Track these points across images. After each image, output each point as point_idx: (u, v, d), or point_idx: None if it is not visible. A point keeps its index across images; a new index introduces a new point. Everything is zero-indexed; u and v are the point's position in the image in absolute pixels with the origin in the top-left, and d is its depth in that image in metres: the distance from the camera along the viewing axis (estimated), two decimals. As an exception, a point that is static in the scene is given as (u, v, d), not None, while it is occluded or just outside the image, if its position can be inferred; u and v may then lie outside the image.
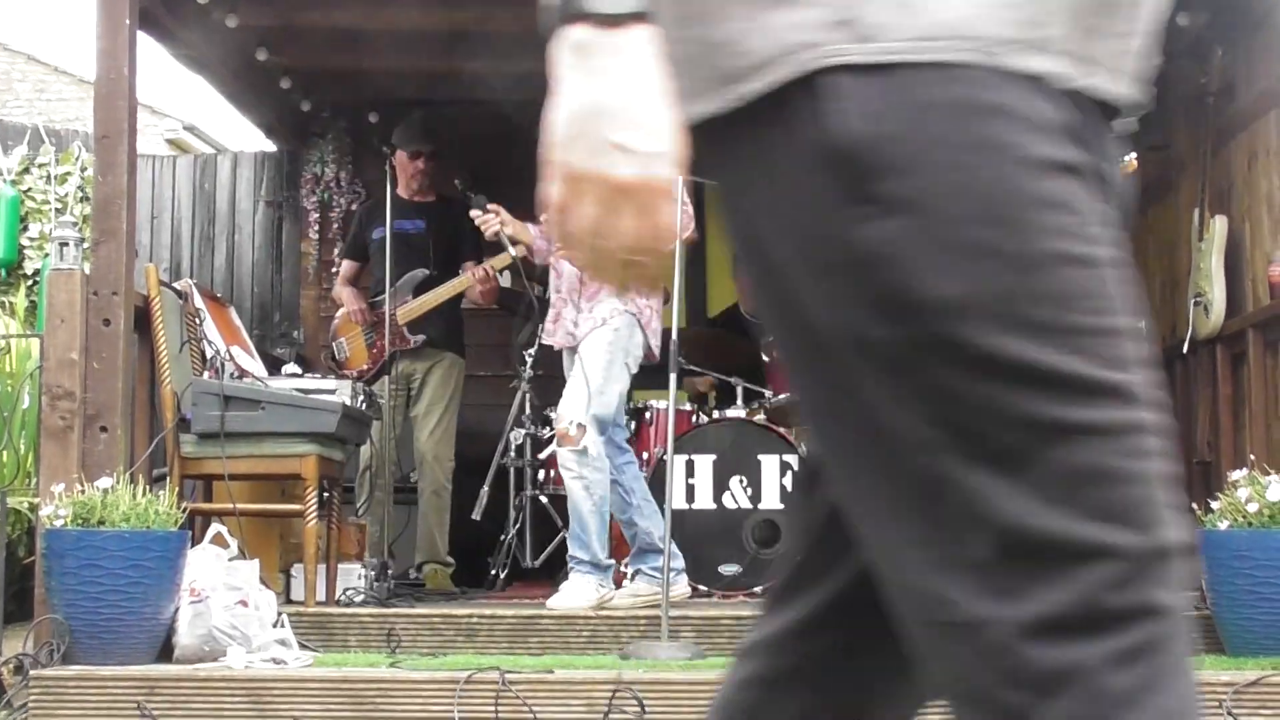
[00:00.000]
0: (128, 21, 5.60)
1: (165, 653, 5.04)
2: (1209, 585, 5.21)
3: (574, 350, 6.00)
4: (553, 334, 6.10)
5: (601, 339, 5.95)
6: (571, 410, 5.91)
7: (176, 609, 5.04)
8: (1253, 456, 5.67)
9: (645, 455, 7.17)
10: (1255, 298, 6.32)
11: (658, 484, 6.54)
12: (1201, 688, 4.59)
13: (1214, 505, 5.18)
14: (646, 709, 4.54)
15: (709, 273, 9.16)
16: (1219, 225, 6.52)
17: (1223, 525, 5.08)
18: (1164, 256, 7.66)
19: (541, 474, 7.44)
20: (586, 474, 5.89)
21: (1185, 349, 6.73)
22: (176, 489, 5.51)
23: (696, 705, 4.58)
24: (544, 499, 7.45)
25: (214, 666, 4.87)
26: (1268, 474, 5.12)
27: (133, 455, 5.57)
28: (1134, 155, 5.69)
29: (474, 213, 6.22)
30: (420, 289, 7.27)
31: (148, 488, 5.15)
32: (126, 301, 5.52)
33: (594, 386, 5.89)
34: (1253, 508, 5.02)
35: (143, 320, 5.81)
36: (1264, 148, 6.29)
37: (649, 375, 6.99)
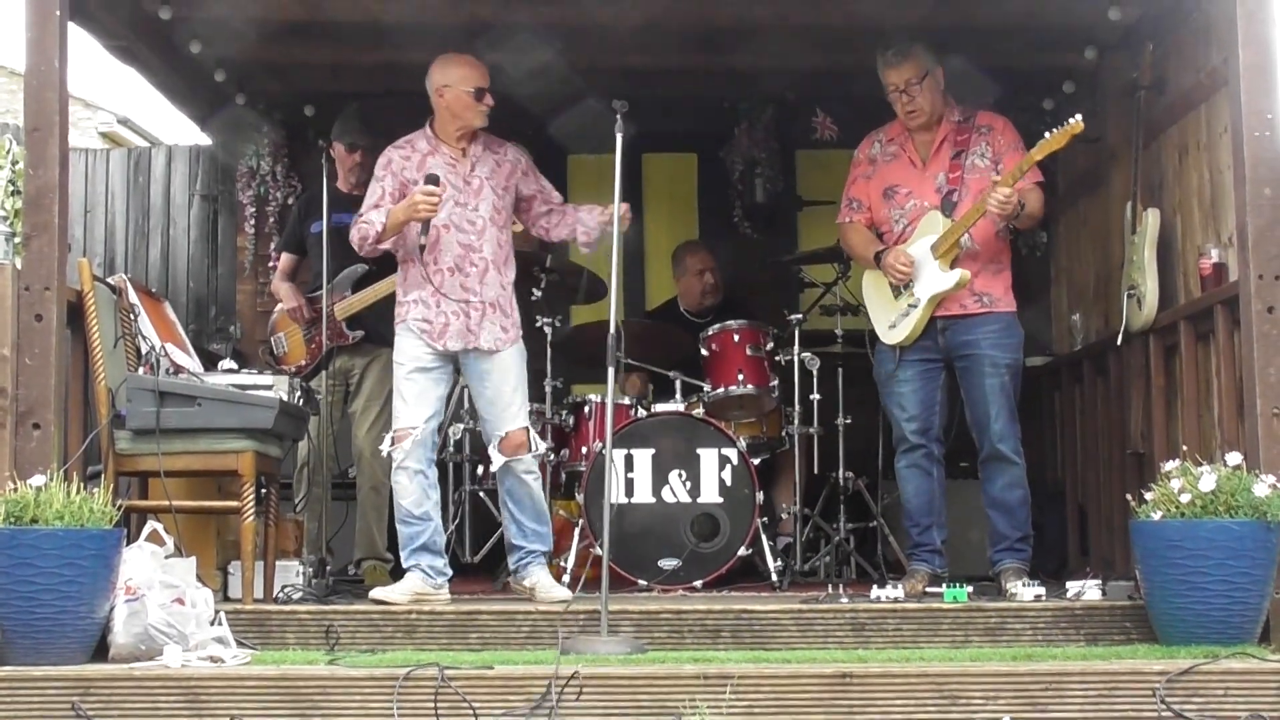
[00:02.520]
0: (58, 13, 5.54)
1: (100, 652, 4.99)
2: (1143, 575, 5.27)
3: (489, 353, 6.10)
4: (480, 328, 6.08)
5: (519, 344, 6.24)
6: (524, 417, 6.16)
7: (112, 608, 4.99)
8: (1185, 447, 5.74)
9: (584, 450, 7.18)
10: (1187, 290, 6.39)
11: (596, 478, 6.56)
12: (1135, 676, 4.68)
13: (1147, 496, 5.24)
14: (586, 703, 4.54)
15: (647, 266, 9.17)
16: (1151, 218, 6.58)
17: (1156, 516, 5.14)
18: (1097, 249, 7.73)
19: (480, 469, 7.43)
20: (537, 470, 6.24)
21: (1119, 341, 6.79)
22: (111, 486, 5.46)
23: (637, 699, 4.58)
24: (483, 494, 7.45)
25: (150, 666, 4.83)
26: (1200, 465, 5.18)
27: (66, 452, 5.52)
28: (1079, 117, 5.73)
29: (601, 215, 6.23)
30: (359, 285, 7.23)
31: (82, 485, 5.09)
32: (59, 297, 5.46)
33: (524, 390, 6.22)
34: (1185, 498, 5.08)
35: (76, 316, 5.75)
36: (1194, 141, 6.35)
37: (587, 370, 7.00)
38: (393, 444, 6.02)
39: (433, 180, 5.95)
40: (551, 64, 7.61)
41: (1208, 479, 5.06)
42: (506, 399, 6.12)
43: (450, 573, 6.11)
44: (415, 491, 6.00)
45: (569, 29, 7.31)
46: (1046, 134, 5.91)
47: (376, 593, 5.83)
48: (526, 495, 6.17)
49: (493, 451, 6.13)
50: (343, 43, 7.79)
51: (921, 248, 6.20)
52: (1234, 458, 5.15)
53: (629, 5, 7.08)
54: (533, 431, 6.19)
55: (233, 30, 7.34)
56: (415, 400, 6.04)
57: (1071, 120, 5.83)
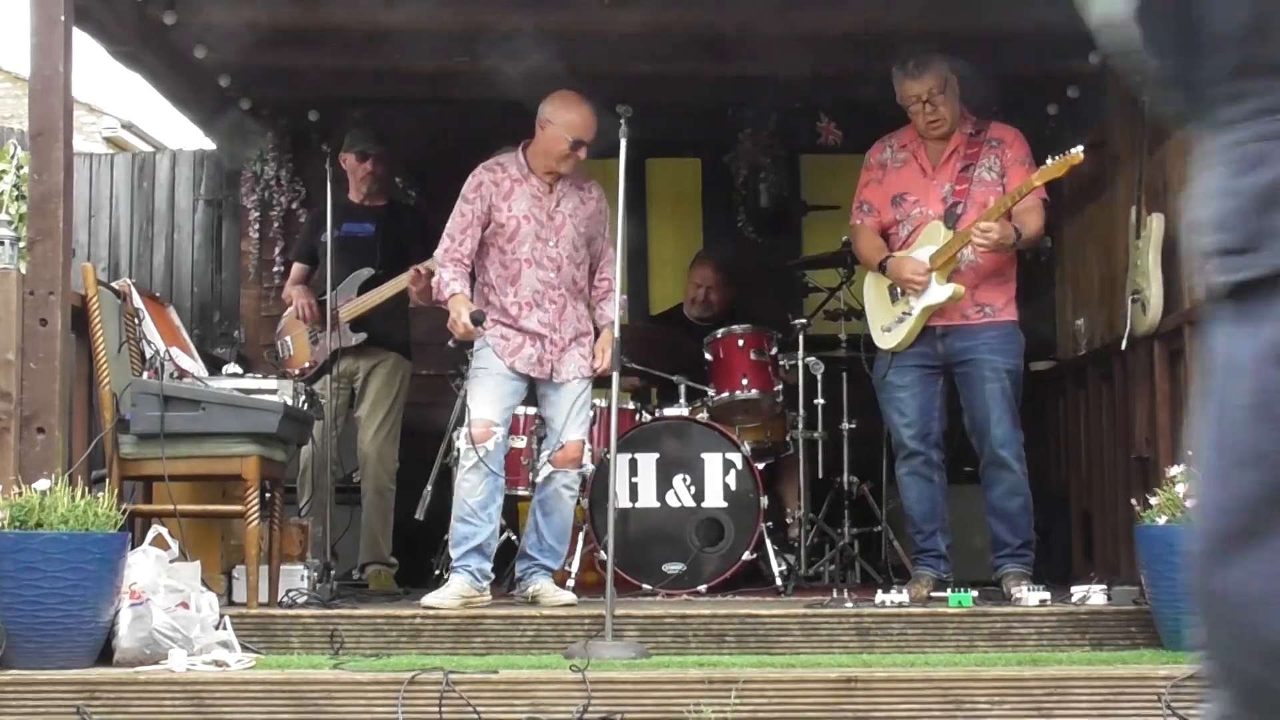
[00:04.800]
0: (63, 18, 5.55)
1: (105, 656, 4.99)
2: (1147, 580, 5.27)
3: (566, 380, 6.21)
4: (560, 363, 6.20)
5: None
6: (584, 431, 6.29)
7: (116, 612, 4.99)
8: (1190, 452, 5.72)
9: (589, 453, 7.17)
10: (1192, 295, 6.38)
11: (601, 483, 6.56)
12: (1140, 681, 4.66)
13: (1152, 501, 5.23)
14: (591, 708, 4.54)
15: (651, 272, 9.18)
16: (1156, 223, 6.58)
17: (1161, 521, 5.14)
18: (1102, 254, 7.73)
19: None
20: (578, 491, 6.36)
21: (1124, 346, 6.79)
22: (116, 490, 5.46)
23: (641, 704, 4.58)
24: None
25: (155, 669, 4.83)
26: (1205, 469, 5.17)
27: (71, 457, 5.53)
28: (1080, 148, 5.74)
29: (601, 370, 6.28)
30: (365, 288, 7.24)
31: (86, 489, 5.10)
32: (64, 301, 5.47)
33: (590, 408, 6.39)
34: (1190, 503, 5.07)
35: (80, 320, 5.75)
36: (1199, 145, 6.34)
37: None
38: (472, 440, 6.01)
39: (478, 321, 5.97)
40: (555, 69, 7.61)
41: (1213, 484, 5.04)
42: (573, 411, 6.21)
43: (494, 577, 6.16)
44: (484, 492, 6.04)
45: (573, 34, 7.32)
46: (1048, 160, 5.91)
47: (429, 599, 5.80)
48: (558, 511, 6.23)
49: (546, 459, 6.20)
50: (346, 48, 7.80)
51: (921, 257, 6.20)
52: (1239, 462, 5.13)
53: (632, 11, 7.09)
54: (588, 449, 6.27)
55: (237, 35, 7.35)
56: (496, 399, 6.10)
57: (1073, 150, 5.84)
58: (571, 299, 6.25)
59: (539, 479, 6.25)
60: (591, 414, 6.45)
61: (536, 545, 6.20)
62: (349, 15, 7.30)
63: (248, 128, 8.88)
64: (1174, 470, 5.25)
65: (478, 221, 6.13)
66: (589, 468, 6.41)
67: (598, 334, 6.35)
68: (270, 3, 6.99)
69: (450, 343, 6.21)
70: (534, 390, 6.30)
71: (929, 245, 6.19)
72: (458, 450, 6.16)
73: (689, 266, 8.27)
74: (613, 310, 6.20)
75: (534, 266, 6.14)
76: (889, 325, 6.31)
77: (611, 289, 6.29)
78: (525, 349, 6.14)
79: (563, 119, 6.13)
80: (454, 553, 6.03)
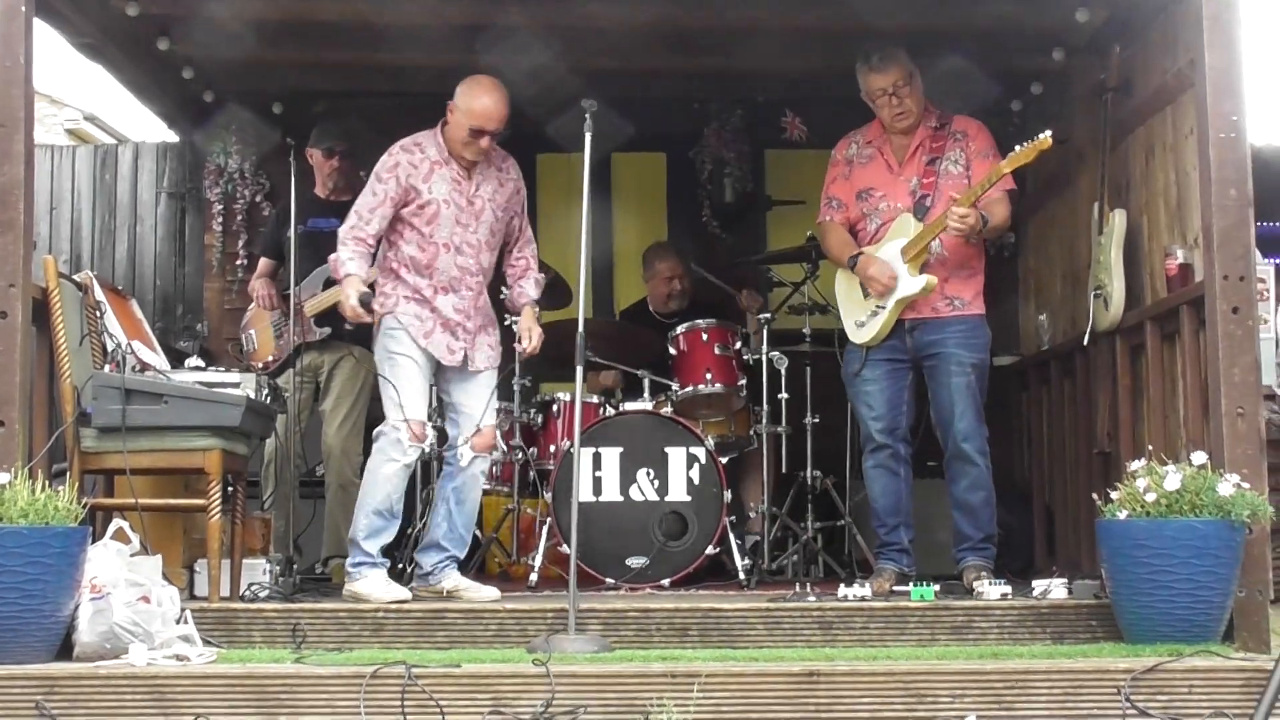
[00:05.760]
0: (24, 9, 5.50)
1: (65, 651, 4.96)
2: (1108, 574, 5.30)
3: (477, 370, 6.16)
4: (474, 351, 6.13)
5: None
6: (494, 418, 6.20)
7: (76, 606, 4.97)
8: (1151, 447, 5.77)
9: (552, 448, 7.17)
10: (1153, 290, 6.42)
11: (565, 477, 6.56)
12: (1100, 675, 4.72)
13: (1113, 495, 5.26)
14: (554, 702, 4.54)
15: (616, 266, 9.17)
16: (1118, 219, 6.61)
17: (1122, 515, 5.17)
18: (1065, 249, 7.76)
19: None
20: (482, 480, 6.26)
21: (1086, 341, 6.83)
22: (76, 484, 5.43)
23: (604, 698, 4.59)
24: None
25: (115, 664, 4.81)
26: (1165, 464, 5.21)
27: (31, 450, 5.48)
28: (1049, 133, 5.80)
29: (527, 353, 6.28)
30: (329, 283, 7.21)
31: (47, 483, 5.06)
32: (24, 294, 5.43)
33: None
34: (1151, 497, 5.11)
35: (41, 313, 5.72)
36: (1161, 142, 6.39)
37: (555, 368, 6.99)
38: (410, 438, 5.94)
39: (366, 304, 5.86)
40: (520, 64, 7.60)
41: (1173, 478, 5.08)
42: (486, 399, 6.14)
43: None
44: (402, 488, 6.02)
45: (538, 29, 7.30)
46: (1016, 147, 5.94)
47: (356, 588, 5.80)
48: (470, 498, 6.17)
49: (462, 446, 6.10)
50: (310, 41, 7.76)
51: (891, 250, 6.22)
52: (1199, 457, 5.18)
53: (599, 6, 7.08)
54: (499, 435, 6.20)
55: (201, 28, 7.31)
56: (420, 394, 6.04)
57: (1041, 135, 5.87)
58: (484, 286, 6.17)
59: (461, 464, 6.10)
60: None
61: (449, 535, 6.11)
62: (312, 7, 7.27)
63: (211, 120, 8.84)
64: (1135, 465, 5.28)
65: (389, 202, 6.00)
66: (500, 454, 6.28)
67: (517, 315, 6.33)
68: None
69: (346, 325, 6.09)
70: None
71: (899, 238, 6.21)
72: (382, 435, 6.04)
73: (648, 263, 8.24)
74: (531, 288, 6.20)
75: (452, 251, 6.05)
76: (863, 320, 6.33)
77: (530, 268, 6.28)
78: (436, 334, 6.05)
79: (464, 106, 6.02)
80: (369, 545, 5.95)
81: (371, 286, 6.07)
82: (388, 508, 5.96)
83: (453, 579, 6.05)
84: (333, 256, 6.02)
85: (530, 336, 6.19)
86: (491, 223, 6.13)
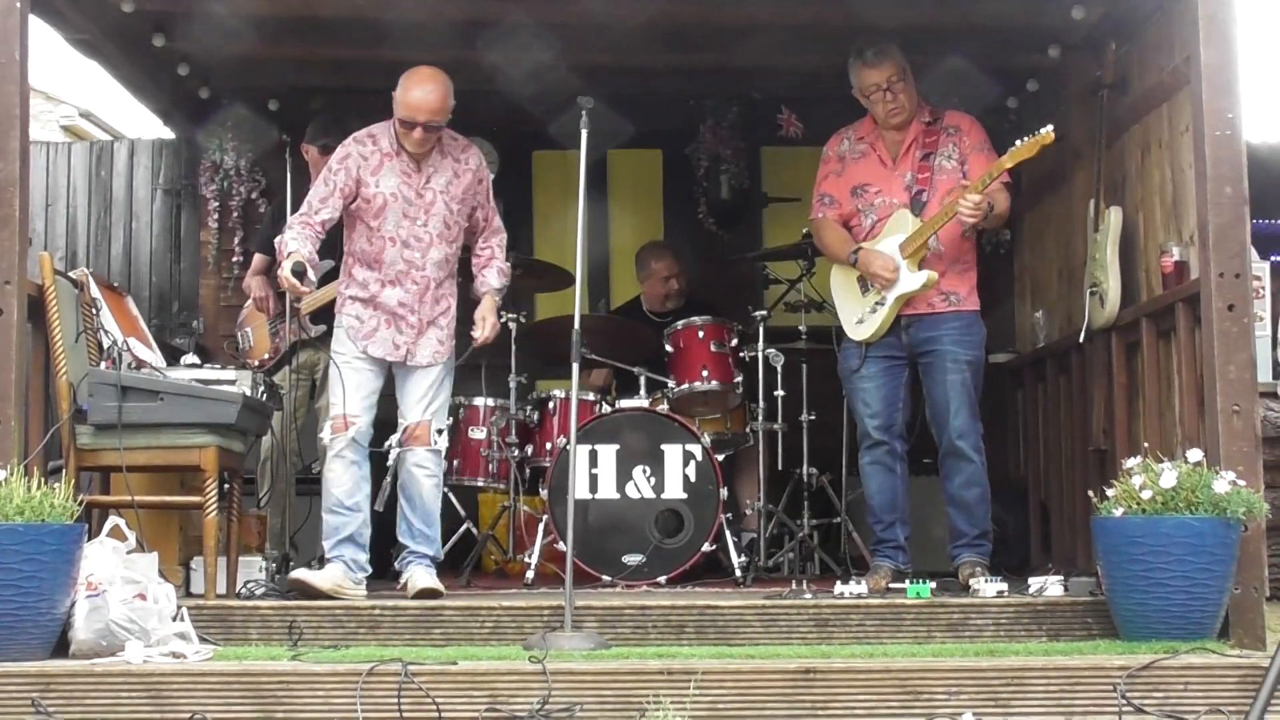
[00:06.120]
0: (19, 5, 5.50)
1: (61, 648, 4.96)
2: (1104, 571, 5.30)
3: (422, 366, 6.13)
4: (416, 346, 6.11)
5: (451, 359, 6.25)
6: (434, 417, 6.15)
7: (73, 603, 4.97)
8: (1147, 444, 5.77)
9: (549, 445, 7.17)
10: (1149, 288, 6.42)
11: (561, 474, 6.56)
12: (1096, 672, 4.72)
13: (1109, 492, 5.27)
14: (550, 699, 4.54)
15: (612, 262, 9.17)
16: (1114, 216, 6.62)
17: (1118, 512, 5.17)
18: (1060, 247, 7.77)
19: (447, 465, 7.40)
20: (438, 473, 6.20)
21: (1081, 338, 6.83)
22: (72, 481, 5.42)
23: (601, 695, 4.59)
24: (447, 490, 7.42)
25: (111, 661, 4.80)
26: (1161, 461, 5.22)
27: (27, 447, 5.48)
28: (1050, 128, 5.81)
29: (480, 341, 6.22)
30: (325, 280, 7.20)
31: (43, 480, 5.06)
32: (20, 291, 5.42)
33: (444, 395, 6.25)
34: (1146, 495, 5.11)
35: (37, 310, 5.71)
36: (1157, 140, 6.39)
37: (551, 366, 6.99)
38: (332, 431, 5.99)
39: (299, 273, 5.82)
40: (517, 61, 7.60)
41: (1169, 475, 5.09)
42: (422, 394, 6.13)
43: (370, 570, 6.11)
44: (349, 482, 6.00)
45: (536, 26, 7.30)
46: (1017, 141, 5.95)
47: (299, 572, 5.81)
48: (418, 494, 6.14)
49: (395, 442, 6.12)
50: (307, 38, 7.76)
51: (890, 246, 6.22)
52: (1195, 454, 5.18)
53: (597, 4, 7.08)
54: (436, 432, 6.17)
55: (197, 24, 7.31)
56: (355, 389, 6.02)
57: (1043, 130, 5.87)
58: (437, 281, 6.12)
59: (388, 462, 6.11)
60: (447, 400, 6.32)
61: (408, 532, 6.13)
62: (309, 3, 7.27)
63: (207, 117, 8.82)
64: (1130, 462, 5.29)
65: (339, 193, 5.99)
66: (440, 446, 6.22)
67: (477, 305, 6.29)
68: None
69: (297, 302, 6.05)
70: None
71: (898, 234, 6.21)
72: (320, 437, 6.06)
73: (642, 262, 8.24)
74: (493, 278, 6.18)
75: (399, 245, 6.02)
76: (861, 316, 6.33)
77: (494, 257, 6.27)
78: (380, 332, 6.05)
79: (398, 97, 6.01)
80: (326, 544, 5.99)
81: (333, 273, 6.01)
82: (336, 503, 5.99)
83: (418, 576, 6.01)
84: (278, 240, 6.02)
85: (484, 326, 6.16)
86: (445, 215, 6.10)
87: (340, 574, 5.89)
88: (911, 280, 6.15)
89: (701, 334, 7.20)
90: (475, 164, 6.22)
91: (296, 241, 5.91)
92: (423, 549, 6.12)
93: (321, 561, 6.18)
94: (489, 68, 7.66)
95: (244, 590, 5.94)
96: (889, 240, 6.24)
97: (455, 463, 7.35)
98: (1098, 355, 6.86)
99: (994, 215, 6.17)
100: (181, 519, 6.19)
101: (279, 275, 5.91)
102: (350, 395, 6.01)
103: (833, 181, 6.50)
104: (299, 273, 5.81)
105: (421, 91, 5.96)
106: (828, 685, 4.64)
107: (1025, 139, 5.92)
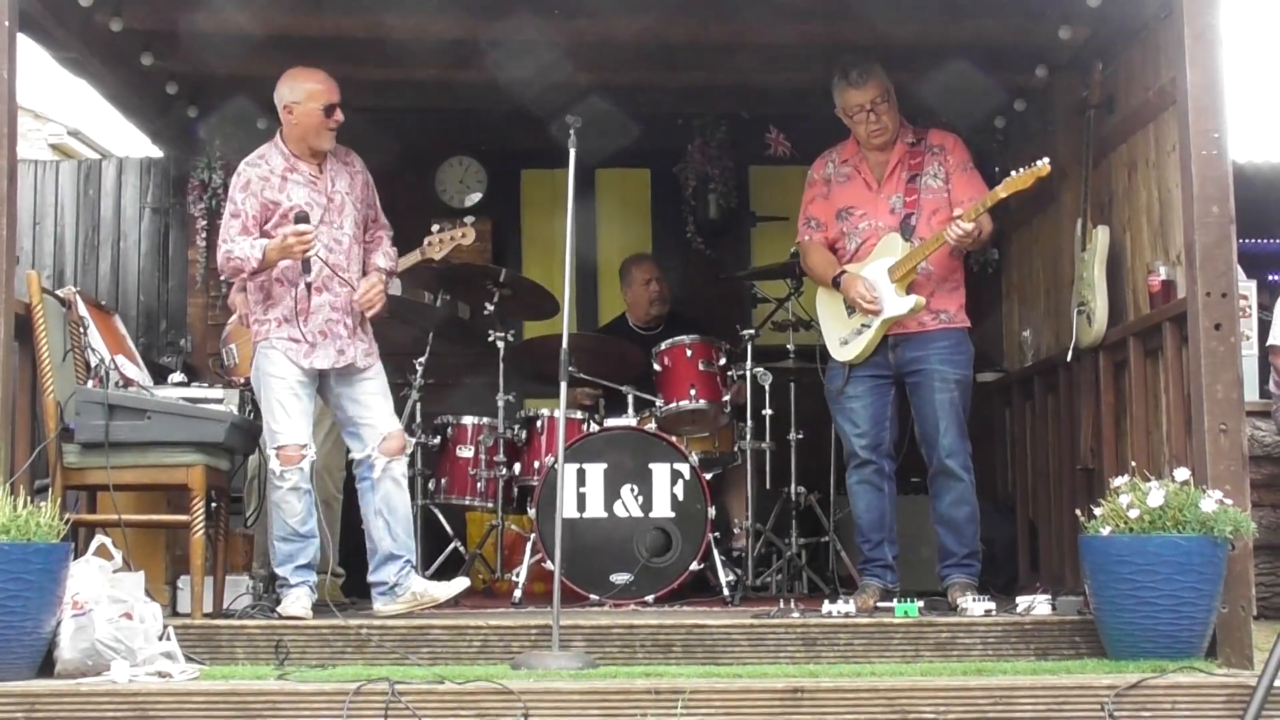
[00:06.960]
0: (6, 23, 5.49)
1: (47, 668, 4.94)
2: (1092, 590, 5.31)
3: (360, 370, 6.09)
4: (343, 355, 6.07)
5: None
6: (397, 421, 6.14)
7: (58, 622, 4.95)
8: (1134, 463, 5.78)
9: (537, 464, 7.17)
10: (1136, 307, 6.44)
11: (549, 492, 6.55)
12: (1084, 691, 4.71)
13: (1097, 511, 5.27)
14: (537, 719, 4.53)
15: (600, 281, 9.18)
16: (1101, 235, 6.64)
17: (1105, 531, 5.17)
18: (1048, 266, 7.78)
19: (433, 484, 7.41)
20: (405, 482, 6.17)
21: (1069, 357, 6.84)
22: (59, 500, 5.41)
23: (588, 714, 4.58)
24: (435, 508, 7.42)
25: (97, 681, 4.79)
26: (1148, 480, 5.22)
27: (13, 465, 5.46)
28: (1046, 160, 5.85)
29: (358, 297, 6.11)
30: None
31: (29, 499, 5.05)
32: (7, 309, 5.41)
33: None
34: (1134, 514, 5.11)
35: (24, 328, 5.70)
36: (1143, 159, 6.41)
37: (537, 384, 6.98)
38: (281, 462, 5.90)
39: (302, 219, 5.83)
40: (506, 80, 7.61)
41: (1156, 494, 5.09)
42: (381, 402, 6.10)
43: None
44: (303, 510, 5.95)
45: (522, 45, 7.31)
46: (1012, 172, 5.95)
47: (290, 610, 5.77)
48: (402, 502, 6.11)
49: (373, 455, 6.04)
50: (295, 57, 7.73)
51: (878, 269, 6.22)
52: (1182, 473, 5.19)
53: (584, 22, 7.09)
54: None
55: (185, 43, 7.31)
56: (301, 415, 5.97)
57: (1039, 163, 5.89)
58: (356, 281, 6.10)
59: (374, 475, 6.03)
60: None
61: (395, 544, 6.05)
62: (296, 23, 7.27)
63: (195, 135, 8.82)
64: (1118, 481, 5.29)
65: (254, 222, 5.95)
66: (410, 447, 6.23)
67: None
68: (218, 9, 6.95)
69: (303, 277, 5.91)
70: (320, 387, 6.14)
71: (886, 257, 6.22)
72: (271, 469, 5.97)
73: (625, 274, 8.25)
74: (381, 259, 6.17)
75: (323, 251, 5.97)
76: (846, 338, 6.33)
77: (383, 242, 6.27)
78: (319, 344, 5.99)
79: (304, 91, 6.01)
80: (282, 570, 5.93)
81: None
82: (291, 532, 5.94)
83: (418, 583, 6.04)
84: (231, 256, 5.95)
85: (363, 286, 6.06)
86: (354, 215, 6.11)
87: (306, 598, 5.87)
88: (899, 304, 6.15)
89: (689, 352, 7.21)
90: (361, 166, 6.26)
91: (248, 245, 5.87)
92: (411, 555, 6.11)
93: (271, 585, 6.18)
94: (477, 86, 7.67)
95: (230, 609, 5.92)
96: (877, 264, 6.24)
97: (443, 481, 7.35)
98: (1085, 374, 6.87)
99: (983, 237, 6.19)
100: (168, 538, 6.18)
101: (288, 245, 5.81)
102: (298, 422, 5.95)
103: (819, 205, 6.50)
104: (303, 218, 5.84)
105: (318, 77, 6.06)
106: (815, 704, 4.64)
107: (1020, 170, 5.92)
